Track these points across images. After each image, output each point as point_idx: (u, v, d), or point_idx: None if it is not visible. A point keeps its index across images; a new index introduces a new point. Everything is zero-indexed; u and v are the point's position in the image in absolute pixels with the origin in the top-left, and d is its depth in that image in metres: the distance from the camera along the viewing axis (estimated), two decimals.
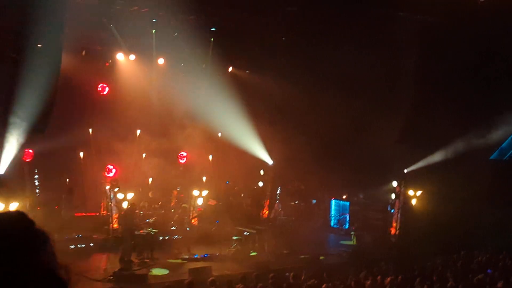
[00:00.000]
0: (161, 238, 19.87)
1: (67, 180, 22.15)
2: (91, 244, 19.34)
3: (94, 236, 19.80)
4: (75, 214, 21.11)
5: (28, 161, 20.60)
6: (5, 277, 1.48)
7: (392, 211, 23.31)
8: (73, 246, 18.59)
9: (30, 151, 20.40)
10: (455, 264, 17.24)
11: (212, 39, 23.15)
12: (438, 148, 23.16)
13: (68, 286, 1.59)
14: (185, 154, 25.21)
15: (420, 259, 17.61)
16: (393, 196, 23.41)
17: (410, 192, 23.24)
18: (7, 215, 1.63)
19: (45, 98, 16.29)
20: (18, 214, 1.63)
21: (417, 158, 23.30)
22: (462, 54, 20.89)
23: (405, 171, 23.41)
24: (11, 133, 17.59)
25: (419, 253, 18.82)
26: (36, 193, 20.98)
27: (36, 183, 21.39)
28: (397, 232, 22.59)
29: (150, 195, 22.87)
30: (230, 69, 25.24)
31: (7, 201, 16.19)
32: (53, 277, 1.57)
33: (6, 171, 18.73)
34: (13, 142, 17.85)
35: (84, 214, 21.69)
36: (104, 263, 17.67)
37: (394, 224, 22.81)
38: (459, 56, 21.00)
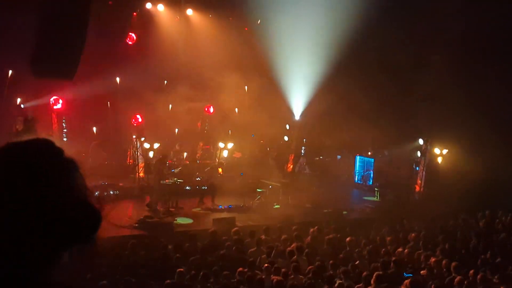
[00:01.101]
0: (187, 188, 20.08)
1: (94, 128, 22.36)
2: (117, 192, 19.63)
3: (120, 184, 20.08)
4: (103, 162, 21.37)
5: (56, 108, 20.80)
6: (37, 202, 1.47)
7: (417, 168, 23.21)
8: (99, 193, 18.88)
9: (58, 98, 20.58)
10: (478, 224, 17.21)
11: None
12: (466, 107, 22.76)
13: (100, 214, 1.59)
14: (211, 106, 25.23)
15: (444, 218, 17.57)
16: (418, 154, 23.26)
17: (436, 151, 23.07)
18: (35, 141, 1.59)
19: (73, 45, 16.26)
20: (46, 141, 1.61)
21: (444, 117, 22.98)
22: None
23: (432, 129, 23.20)
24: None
25: (443, 212, 18.76)
26: (63, 140, 21.24)
27: (64, 130, 21.66)
28: (421, 190, 22.54)
29: (177, 147, 23.02)
30: (259, 21, 24.88)
31: None
32: (85, 203, 1.57)
33: (36, 116, 19.04)
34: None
35: (111, 162, 21.96)
36: (130, 211, 17.97)
37: (419, 182, 22.74)
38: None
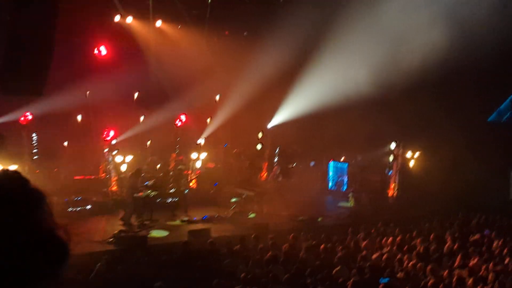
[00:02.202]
0: (159, 200, 19.93)
1: (66, 143, 22.09)
2: (90, 207, 19.40)
3: (93, 199, 19.85)
4: (74, 177, 21.13)
5: (26, 124, 20.52)
6: (2, 237, 1.40)
7: (390, 173, 23.42)
8: (72, 209, 18.66)
9: (28, 114, 20.30)
10: (452, 225, 17.41)
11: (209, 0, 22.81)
12: (434, 110, 23.05)
13: (68, 246, 1.52)
14: (183, 117, 25.14)
15: (418, 220, 17.74)
16: (391, 158, 23.50)
17: (408, 154, 23.31)
18: (1, 174, 1.54)
19: (40, 62, 16.09)
20: (10, 172, 1.54)
21: (414, 121, 23.25)
22: None
23: (402, 133, 23.44)
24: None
25: (417, 215, 18.96)
26: (34, 156, 20.96)
27: (35, 145, 21.37)
28: (395, 193, 22.75)
29: (149, 159, 22.88)
30: (227, 32, 24.88)
31: (6, 164, 16.20)
32: (52, 237, 1.49)
33: (5, 134, 18.75)
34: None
35: (83, 177, 21.72)
36: (104, 225, 17.76)
37: (392, 186, 22.95)
38: None
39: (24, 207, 1.48)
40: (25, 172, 16.82)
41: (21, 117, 20.15)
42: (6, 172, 1.54)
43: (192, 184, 22.45)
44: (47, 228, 1.50)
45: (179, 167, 22.11)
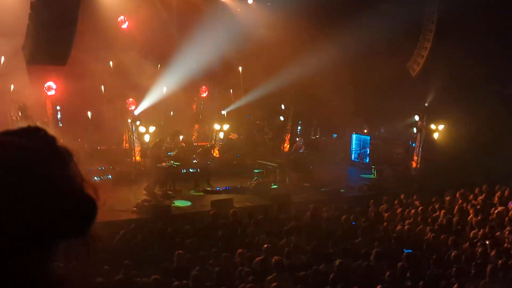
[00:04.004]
0: (183, 171, 20.05)
1: (89, 113, 22.23)
2: (114, 176, 19.58)
3: (117, 169, 20.03)
4: (98, 147, 21.30)
5: (50, 94, 20.67)
6: (31, 194, 1.38)
7: (413, 145, 23.22)
8: (96, 178, 18.85)
9: (52, 83, 20.44)
10: (476, 198, 17.26)
11: None
12: (460, 82, 22.75)
13: (96, 203, 1.50)
14: (205, 88, 25.14)
15: (441, 193, 17.61)
16: (414, 130, 23.28)
17: (432, 126, 23.09)
18: (27, 130, 1.50)
19: (64, 31, 16.15)
20: (38, 129, 1.51)
21: (439, 92, 23.00)
22: None
23: (426, 104, 23.21)
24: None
25: (440, 187, 18.81)
26: (58, 126, 21.13)
27: (59, 116, 21.57)
28: (418, 165, 22.57)
29: (172, 129, 22.99)
30: (250, 1, 24.64)
31: None
32: (81, 194, 1.47)
33: (30, 103, 18.97)
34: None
35: (106, 147, 21.88)
36: (127, 195, 17.92)
37: (415, 158, 22.76)
38: None
39: (55, 162, 1.47)
40: None
41: (45, 87, 20.29)
42: (33, 128, 1.52)
43: (214, 154, 22.52)
44: (76, 185, 1.49)
45: (211, 143, 22.17)
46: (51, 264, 1.46)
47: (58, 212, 1.41)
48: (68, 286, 1.50)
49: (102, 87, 22.15)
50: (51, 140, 1.50)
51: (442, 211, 14.69)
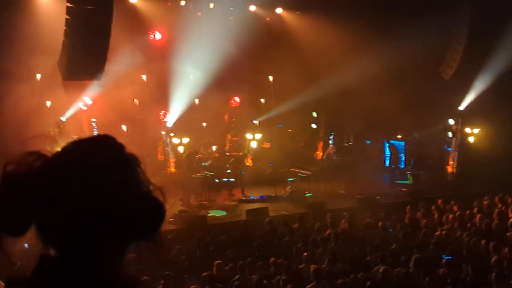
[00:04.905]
0: (217, 180, 20.17)
1: (124, 126, 22.53)
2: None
3: (152, 180, 20.17)
4: None
5: (85, 108, 21.03)
6: (104, 198, 1.48)
7: (448, 149, 22.93)
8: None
9: (87, 98, 20.80)
10: None
11: None
12: (496, 84, 22.40)
13: (164, 206, 1.60)
14: (237, 98, 25.29)
15: (479, 197, 17.34)
16: (449, 134, 23.00)
17: (467, 130, 22.79)
18: (98, 138, 1.62)
19: (98, 46, 16.43)
20: (108, 138, 1.62)
21: (474, 95, 22.72)
22: None
23: (461, 108, 22.92)
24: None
25: (478, 191, 18.53)
26: None
27: (95, 130, 21.91)
28: (454, 170, 22.26)
29: (205, 141, 23.17)
30: (279, 10, 24.70)
31: None
32: (149, 197, 1.58)
33: (67, 119, 19.33)
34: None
35: (142, 159, 22.07)
36: (164, 206, 18.05)
37: (451, 162, 22.45)
38: None
39: (125, 167, 1.57)
40: None
41: (80, 102, 20.63)
42: (103, 137, 1.61)
43: (248, 164, 22.59)
44: (145, 189, 1.58)
45: (243, 151, 22.23)
46: (123, 264, 1.55)
47: (129, 214, 1.51)
48: (138, 287, 1.59)
49: (137, 100, 22.44)
50: (120, 147, 1.61)
51: (481, 216, 14.46)
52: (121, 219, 1.50)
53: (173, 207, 16.51)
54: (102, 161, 1.54)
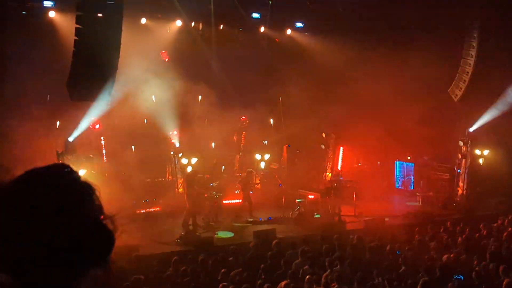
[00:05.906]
0: (225, 201, 20.11)
1: (133, 147, 22.58)
2: (158, 208, 19.80)
3: (160, 201, 20.23)
4: (142, 180, 21.55)
5: (94, 128, 21.10)
6: (52, 227, 1.52)
7: (458, 171, 22.79)
8: (141, 211, 19.10)
9: (96, 119, 20.86)
10: None
11: (270, 1, 22.91)
12: (504, 105, 22.34)
13: (113, 235, 1.64)
14: (245, 118, 25.30)
15: (489, 219, 17.18)
16: (459, 156, 22.87)
17: (477, 152, 22.66)
18: (53, 166, 1.67)
19: (107, 67, 16.54)
20: (63, 166, 1.68)
21: (482, 117, 22.64)
22: None
23: (471, 130, 22.83)
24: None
25: (487, 213, 18.37)
26: (103, 159, 21.51)
27: (103, 150, 21.95)
28: (464, 192, 22.11)
29: (214, 161, 23.12)
30: (289, 31, 24.86)
31: (75, 167, 16.67)
32: (99, 225, 1.61)
33: (75, 139, 19.38)
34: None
35: (150, 179, 22.11)
36: (171, 227, 18.05)
37: (461, 184, 22.32)
38: None
39: (75, 198, 1.61)
40: (94, 175, 17.34)
41: (91, 124, 20.68)
42: (59, 165, 1.68)
43: (257, 185, 22.53)
44: (94, 217, 1.63)
45: (248, 169, 22.13)
46: None
47: (80, 241, 1.56)
48: None
49: (145, 120, 22.51)
50: (75, 176, 1.67)
51: (491, 239, 14.31)
52: (72, 246, 1.54)
53: (180, 227, 16.50)
54: (55, 190, 1.59)
